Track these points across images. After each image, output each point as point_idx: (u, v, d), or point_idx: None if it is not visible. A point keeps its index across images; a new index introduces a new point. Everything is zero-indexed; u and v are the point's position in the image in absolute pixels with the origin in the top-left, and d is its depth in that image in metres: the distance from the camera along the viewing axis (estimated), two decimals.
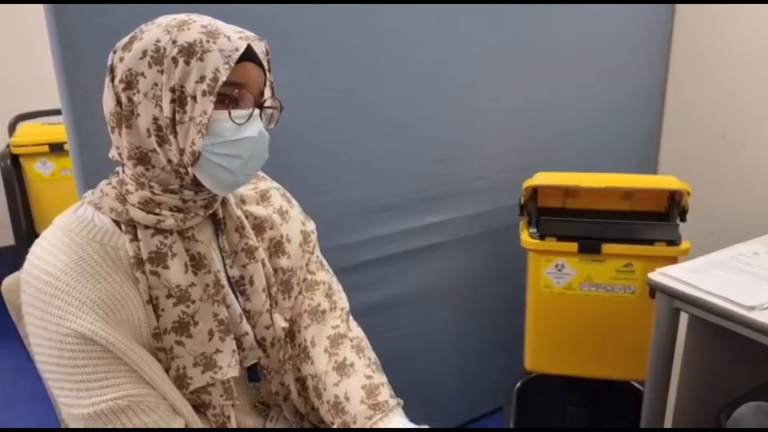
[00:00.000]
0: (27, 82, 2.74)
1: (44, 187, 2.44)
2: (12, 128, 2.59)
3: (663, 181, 1.57)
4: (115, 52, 0.82)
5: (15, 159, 2.41)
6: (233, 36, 0.81)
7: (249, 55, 0.82)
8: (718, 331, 1.22)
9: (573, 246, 1.52)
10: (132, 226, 0.85)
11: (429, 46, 1.58)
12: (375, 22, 1.48)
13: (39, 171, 2.42)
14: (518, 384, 1.75)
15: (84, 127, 1.16)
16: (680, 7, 1.99)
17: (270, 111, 0.90)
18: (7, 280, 0.97)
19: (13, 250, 2.64)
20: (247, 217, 0.98)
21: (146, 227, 0.84)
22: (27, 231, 2.52)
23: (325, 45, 1.43)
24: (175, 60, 0.78)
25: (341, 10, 1.42)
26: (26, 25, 2.70)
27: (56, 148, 2.38)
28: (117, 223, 0.86)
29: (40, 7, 1.12)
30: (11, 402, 2.20)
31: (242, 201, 1.00)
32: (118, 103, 0.81)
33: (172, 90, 0.79)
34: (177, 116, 0.79)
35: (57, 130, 2.38)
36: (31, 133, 2.46)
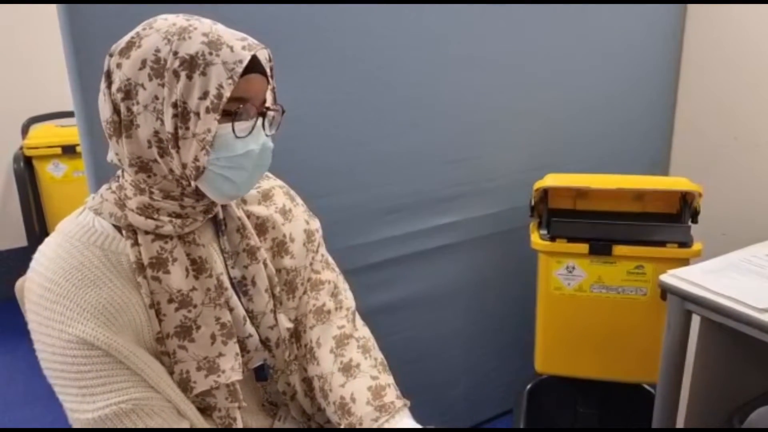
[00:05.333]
0: (40, 84, 2.76)
1: (57, 188, 2.46)
2: (25, 130, 2.62)
3: (675, 182, 1.56)
4: (111, 56, 0.80)
5: (28, 161, 2.43)
6: (236, 46, 0.78)
7: (252, 65, 0.80)
8: (730, 334, 1.21)
9: (584, 247, 1.51)
10: (133, 231, 0.84)
11: (441, 48, 1.58)
12: (387, 23, 1.48)
13: (52, 173, 2.44)
14: (529, 386, 1.74)
15: (96, 128, 1.14)
16: (692, 7, 1.98)
17: (272, 115, 0.87)
18: (21, 281, 0.98)
19: (26, 251, 2.65)
20: (249, 217, 0.97)
21: (146, 232, 0.84)
22: (40, 232, 2.54)
23: (337, 46, 1.43)
24: (176, 73, 0.76)
25: (352, 11, 1.42)
26: (39, 28, 2.71)
27: (69, 150, 2.40)
28: (118, 228, 0.85)
29: (53, 10, 1.12)
30: (25, 401, 2.21)
31: (243, 201, 0.99)
32: (116, 111, 0.80)
33: (174, 105, 0.77)
34: (179, 132, 0.78)
35: (70, 132, 2.40)
36: (44, 135, 2.49)
